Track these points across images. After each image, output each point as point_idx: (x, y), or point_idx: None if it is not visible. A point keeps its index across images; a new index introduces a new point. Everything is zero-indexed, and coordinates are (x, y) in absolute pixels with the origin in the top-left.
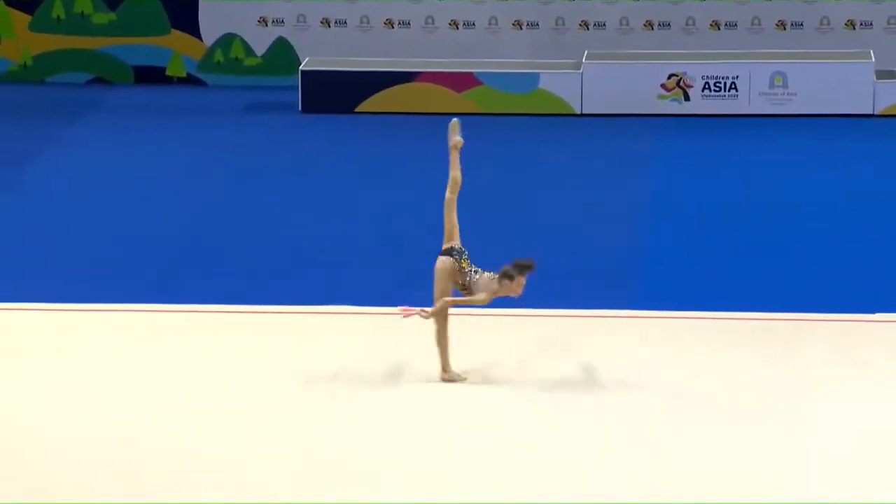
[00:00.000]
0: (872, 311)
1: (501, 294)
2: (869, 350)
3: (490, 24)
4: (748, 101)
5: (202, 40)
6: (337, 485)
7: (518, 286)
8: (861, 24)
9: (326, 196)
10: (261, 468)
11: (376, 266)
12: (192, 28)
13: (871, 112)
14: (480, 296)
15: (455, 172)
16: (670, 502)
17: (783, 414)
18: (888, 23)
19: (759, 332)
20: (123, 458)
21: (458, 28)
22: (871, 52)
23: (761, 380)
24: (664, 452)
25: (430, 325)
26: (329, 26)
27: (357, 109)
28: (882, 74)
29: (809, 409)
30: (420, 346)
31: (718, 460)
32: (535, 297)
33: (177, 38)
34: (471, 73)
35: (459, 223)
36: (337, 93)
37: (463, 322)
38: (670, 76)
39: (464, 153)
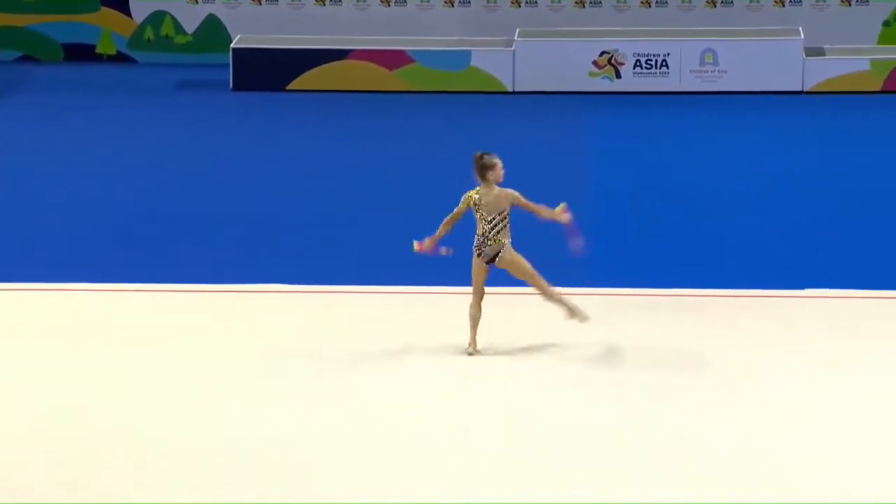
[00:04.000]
0: (803, 287)
1: (483, 191)
2: (808, 325)
3: (422, 1)
4: (679, 79)
5: (132, 18)
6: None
7: (499, 169)
8: (790, 2)
9: (257, 174)
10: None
11: (308, 244)
12: (122, 5)
13: (800, 89)
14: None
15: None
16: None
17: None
18: (816, 0)
19: (696, 308)
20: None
21: (389, 5)
22: (800, 29)
23: (709, 356)
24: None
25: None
26: (260, 3)
27: (289, 87)
28: (811, 51)
29: (762, 382)
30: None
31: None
32: (462, 277)
33: (106, 16)
34: (402, 51)
35: (391, 202)
36: (268, 70)
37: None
38: (602, 53)
39: (395, 130)
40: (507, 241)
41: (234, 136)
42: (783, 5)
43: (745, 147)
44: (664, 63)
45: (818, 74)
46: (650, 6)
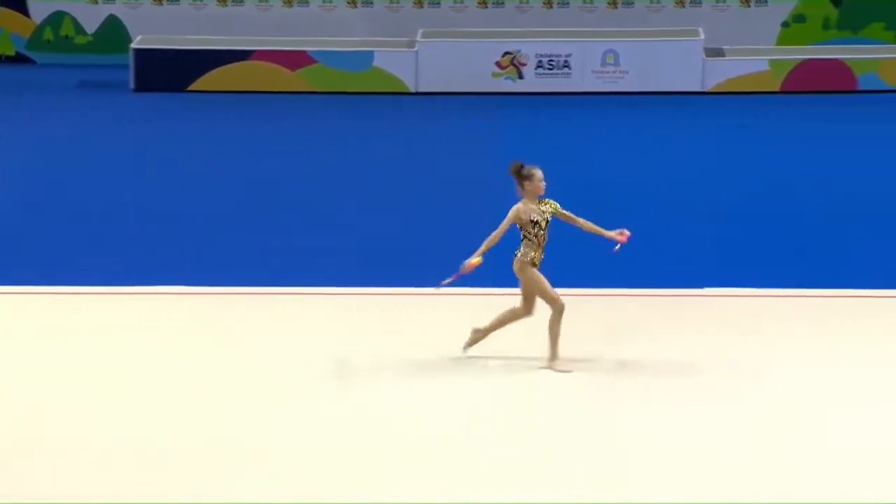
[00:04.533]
0: (702, 287)
1: (531, 201)
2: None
3: (324, 2)
4: (581, 79)
5: (31, 18)
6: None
7: (538, 181)
8: (690, 3)
9: (158, 175)
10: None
11: (206, 245)
12: (20, 5)
13: (700, 89)
14: (509, 216)
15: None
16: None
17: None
18: (716, 1)
19: (601, 308)
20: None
21: (291, 6)
22: (700, 30)
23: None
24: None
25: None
26: (161, 3)
27: (190, 88)
28: (711, 52)
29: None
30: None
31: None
32: (375, 278)
33: (4, 16)
34: (305, 52)
35: (296, 202)
36: (170, 71)
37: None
38: (504, 54)
39: (296, 132)
40: (527, 253)
41: (135, 137)
42: (683, 6)
43: (645, 147)
44: (566, 64)
45: (718, 75)
46: (552, 7)
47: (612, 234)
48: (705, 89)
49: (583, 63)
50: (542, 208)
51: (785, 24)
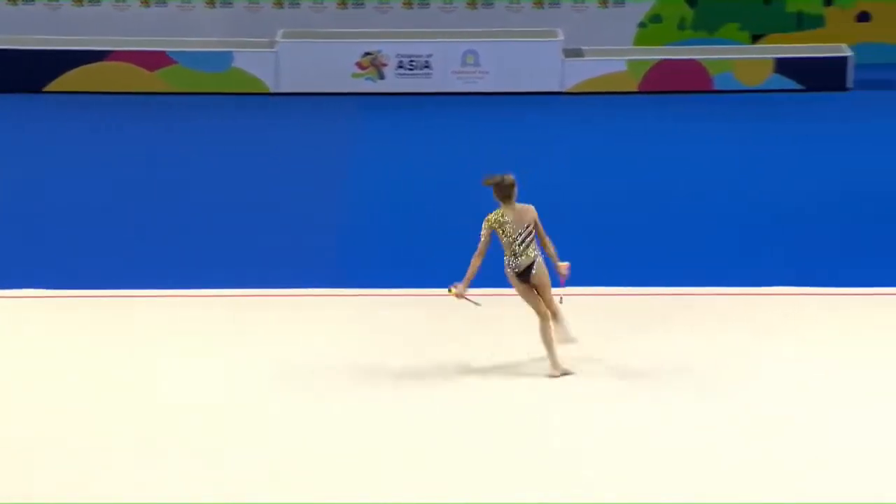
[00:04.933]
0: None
1: (506, 211)
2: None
3: (182, 2)
4: (442, 79)
5: None
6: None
7: (501, 186)
8: (549, 3)
9: (11, 179)
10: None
11: (70, 247)
12: None
13: (559, 89)
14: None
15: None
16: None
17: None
18: (575, 1)
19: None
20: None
21: (149, 6)
22: (559, 30)
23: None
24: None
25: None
26: (16, 3)
27: (45, 89)
28: (570, 52)
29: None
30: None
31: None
32: (254, 278)
33: None
34: (163, 52)
35: (164, 203)
36: (24, 72)
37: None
38: (365, 54)
39: (148, 135)
40: (537, 254)
41: None
42: (542, 7)
43: (505, 147)
44: (426, 64)
45: (577, 75)
46: (412, 7)
47: (559, 266)
48: (564, 89)
49: (443, 63)
50: (504, 213)
51: (642, 25)
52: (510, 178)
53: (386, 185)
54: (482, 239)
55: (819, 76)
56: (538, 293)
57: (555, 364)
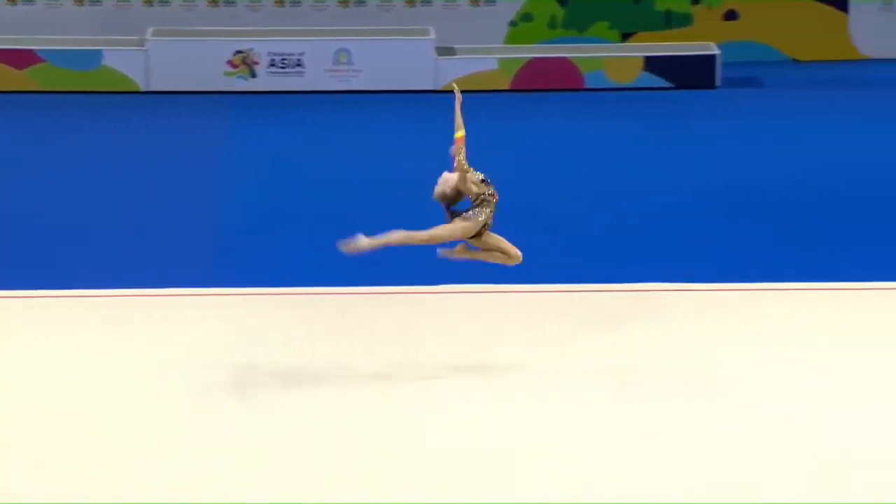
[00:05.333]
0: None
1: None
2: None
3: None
4: (314, 78)
5: None
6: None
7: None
8: (421, 2)
9: None
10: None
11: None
12: None
13: (433, 88)
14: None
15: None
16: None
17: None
18: (446, 0)
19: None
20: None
21: (16, 4)
22: (431, 28)
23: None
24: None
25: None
26: None
27: None
28: (442, 51)
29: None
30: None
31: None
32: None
33: None
34: (31, 50)
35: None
36: None
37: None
38: (236, 53)
39: (23, 134)
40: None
41: None
42: (414, 5)
43: (380, 146)
44: (299, 62)
45: (449, 73)
46: (284, 6)
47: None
48: (437, 88)
49: (316, 62)
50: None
51: (513, 24)
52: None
53: (260, 183)
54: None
55: (688, 74)
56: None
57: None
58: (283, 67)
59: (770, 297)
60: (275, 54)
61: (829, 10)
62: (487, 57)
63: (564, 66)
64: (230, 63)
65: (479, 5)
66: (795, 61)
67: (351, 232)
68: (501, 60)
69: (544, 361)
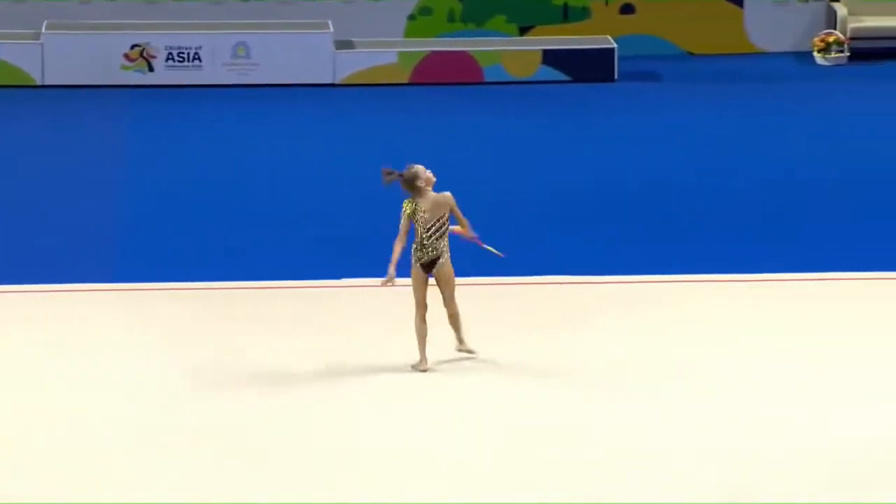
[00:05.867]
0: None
1: (420, 201)
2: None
3: None
4: (212, 72)
5: None
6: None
7: (423, 173)
8: None
9: None
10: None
11: None
12: None
13: (332, 81)
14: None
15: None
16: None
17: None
18: None
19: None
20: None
21: None
22: (330, 22)
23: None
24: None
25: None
26: None
27: None
28: (341, 44)
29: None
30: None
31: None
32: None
33: None
34: None
35: None
36: None
37: None
38: (133, 46)
39: None
40: (446, 249)
41: None
42: None
43: (279, 139)
44: (197, 56)
45: (348, 67)
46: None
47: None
48: (336, 81)
49: (213, 55)
50: (418, 203)
51: (411, 17)
52: (411, 171)
53: (157, 178)
54: (401, 225)
55: (586, 67)
56: (440, 289)
57: (423, 359)
58: (180, 61)
59: (659, 289)
60: (172, 48)
61: (725, 4)
62: (387, 51)
63: (463, 60)
64: (127, 57)
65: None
66: (692, 55)
67: (251, 227)
68: (401, 54)
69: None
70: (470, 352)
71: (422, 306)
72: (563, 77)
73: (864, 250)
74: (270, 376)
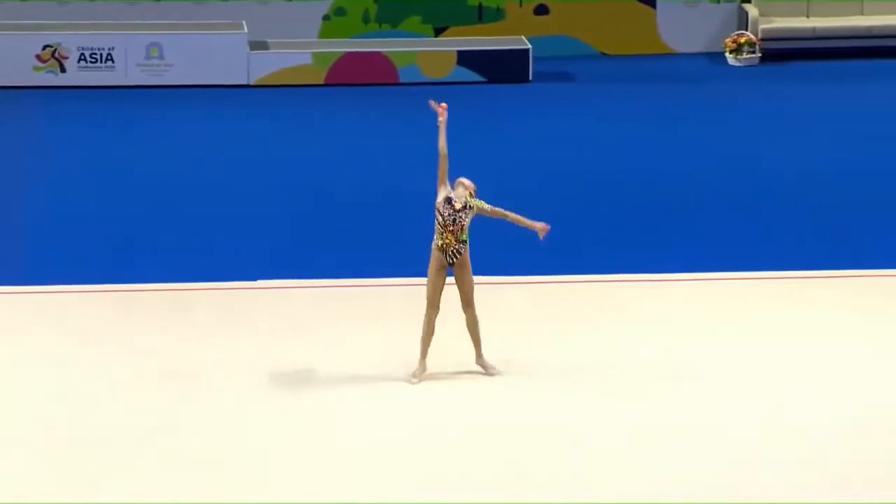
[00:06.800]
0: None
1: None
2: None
3: None
4: (125, 73)
5: None
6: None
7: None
8: None
9: None
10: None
11: None
12: None
13: (246, 82)
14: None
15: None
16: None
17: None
18: None
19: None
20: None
21: None
22: (244, 23)
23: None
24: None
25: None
26: None
27: None
28: (255, 45)
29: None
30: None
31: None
32: None
33: None
34: None
35: None
36: None
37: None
38: (45, 47)
39: None
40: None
41: None
42: (227, 0)
43: (194, 140)
44: (109, 57)
45: (263, 68)
46: (94, 0)
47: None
48: (251, 82)
49: (126, 56)
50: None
51: (326, 18)
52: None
53: (70, 179)
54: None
55: (501, 68)
56: (457, 282)
57: (421, 368)
58: (93, 62)
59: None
60: (85, 49)
61: (638, 5)
62: (302, 52)
63: (379, 61)
64: (39, 58)
65: (292, 0)
66: (605, 55)
67: (164, 228)
68: (316, 55)
69: None
70: (490, 369)
71: (431, 305)
72: (478, 78)
73: (771, 249)
74: (185, 376)
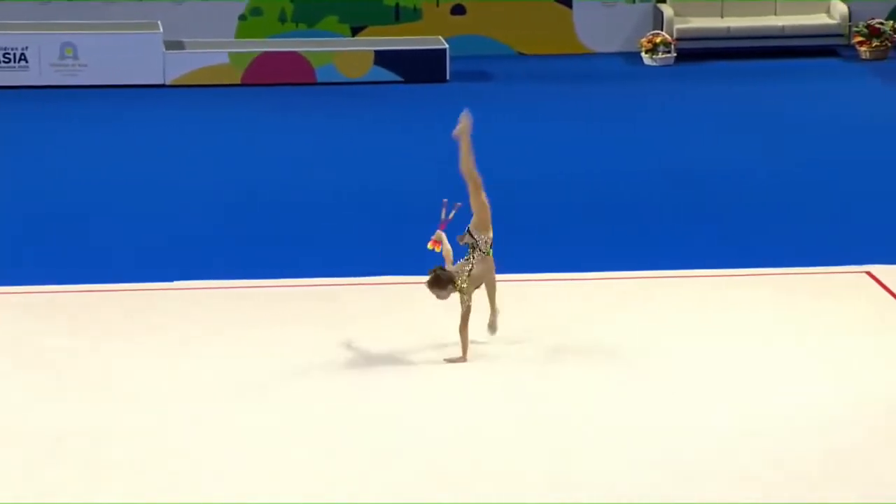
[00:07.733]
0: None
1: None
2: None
3: None
4: (39, 73)
5: None
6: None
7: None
8: None
9: None
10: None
11: None
12: None
13: (162, 82)
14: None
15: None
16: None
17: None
18: None
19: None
20: None
21: None
22: (159, 22)
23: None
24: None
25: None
26: None
27: None
28: (171, 45)
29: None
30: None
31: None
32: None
33: None
34: None
35: None
36: None
37: None
38: None
39: None
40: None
41: None
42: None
43: (109, 141)
44: (23, 57)
45: (179, 67)
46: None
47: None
48: (167, 82)
49: (40, 56)
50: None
51: (242, 18)
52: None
53: None
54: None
55: (418, 68)
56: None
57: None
58: (6, 62)
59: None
60: None
61: (554, 5)
62: (218, 51)
63: (295, 60)
64: None
65: (207, 0)
66: (522, 55)
67: (82, 229)
68: (232, 54)
69: None
70: (492, 324)
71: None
72: (395, 77)
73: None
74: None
